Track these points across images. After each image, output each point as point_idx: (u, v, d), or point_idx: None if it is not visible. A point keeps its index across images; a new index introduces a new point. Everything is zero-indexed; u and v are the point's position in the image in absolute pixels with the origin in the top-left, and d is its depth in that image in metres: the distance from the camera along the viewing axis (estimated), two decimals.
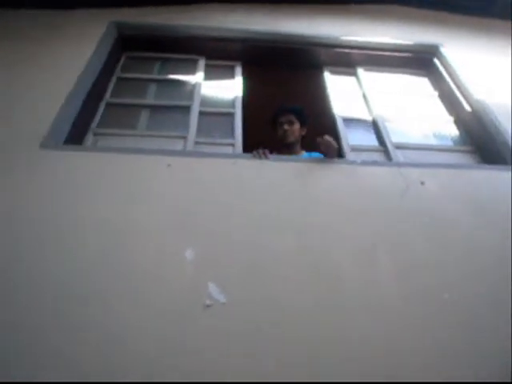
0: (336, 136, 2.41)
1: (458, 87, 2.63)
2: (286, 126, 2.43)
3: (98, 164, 1.91)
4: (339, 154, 2.14)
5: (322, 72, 2.92)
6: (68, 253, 1.57)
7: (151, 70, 2.83)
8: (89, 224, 1.67)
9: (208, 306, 1.45)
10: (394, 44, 2.92)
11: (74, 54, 2.49)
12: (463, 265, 1.66)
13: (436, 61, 2.89)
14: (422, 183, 1.95)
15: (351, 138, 2.45)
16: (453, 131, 2.55)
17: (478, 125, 2.40)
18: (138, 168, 1.91)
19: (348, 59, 2.94)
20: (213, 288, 1.50)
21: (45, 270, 1.50)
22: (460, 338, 1.45)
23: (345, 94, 2.77)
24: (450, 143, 2.48)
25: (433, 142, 2.50)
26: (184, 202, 1.79)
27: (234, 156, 2.10)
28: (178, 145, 2.27)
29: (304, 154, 2.42)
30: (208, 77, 2.80)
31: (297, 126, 2.47)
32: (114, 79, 2.67)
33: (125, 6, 2.96)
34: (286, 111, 2.51)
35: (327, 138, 1.99)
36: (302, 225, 1.75)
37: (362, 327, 1.46)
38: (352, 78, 2.92)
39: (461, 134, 2.52)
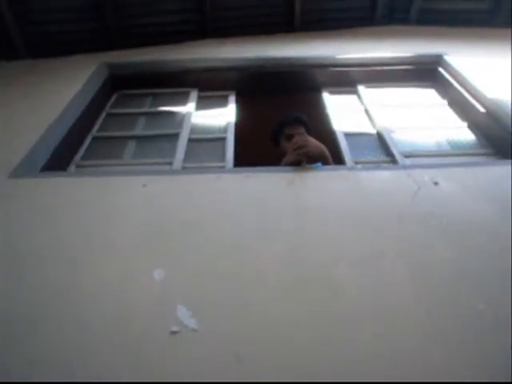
0: (338, 151, 2.19)
1: (469, 91, 2.41)
2: (297, 137, 1.96)
3: (67, 188, 1.76)
4: None
5: (320, 93, 2.77)
6: (24, 277, 1.36)
7: (142, 104, 2.75)
8: (48, 248, 1.46)
9: (174, 332, 1.17)
10: (395, 58, 2.78)
11: (61, 91, 2.44)
12: (493, 269, 1.32)
13: (441, 70, 2.70)
14: (436, 184, 1.67)
15: (355, 152, 2.21)
16: (468, 136, 2.28)
17: (495, 124, 2.14)
18: (111, 189, 1.74)
19: (347, 78, 2.80)
20: (182, 311, 1.23)
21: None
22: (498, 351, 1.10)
23: (345, 111, 2.58)
24: (466, 148, 2.20)
25: (447, 148, 2.23)
26: (158, 221, 1.58)
27: (217, 171, 1.89)
28: None
29: None
30: (200, 107, 2.70)
31: None
32: (103, 115, 2.60)
33: (117, 48, 2.98)
34: (295, 122, 2.14)
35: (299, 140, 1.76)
36: (293, 235, 1.48)
37: (373, 346, 1.13)
38: (353, 96, 2.75)
39: (477, 137, 2.25)
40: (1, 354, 1.15)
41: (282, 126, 2.10)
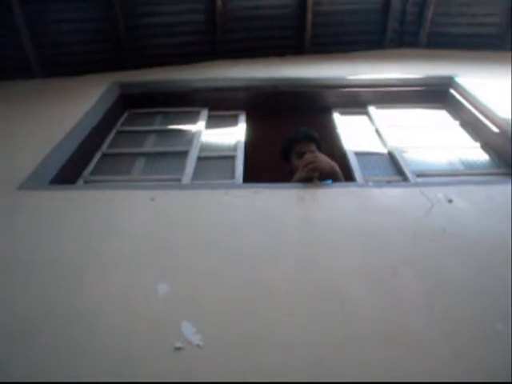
0: (349, 170, 2.17)
1: (481, 111, 2.38)
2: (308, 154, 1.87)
3: (75, 200, 1.74)
4: None
5: (330, 113, 2.77)
6: (26, 289, 1.32)
7: (152, 123, 2.77)
8: (52, 259, 1.43)
9: (178, 348, 1.12)
10: (405, 79, 2.77)
11: (72, 108, 2.46)
12: (510, 288, 1.26)
13: (452, 91, 2.69)
14: (450, 201, 1.62)
15: (366, 171, 2.18)
16: (482, 156, 2.24)
17: (509, 144, 2.10)
18: (119, 202, 1.72)
19: (358, 99, 2.80)
20: (187, 327, 1.18)
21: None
22: None
23: (356, 131, 2.57)
24: (480, 168, 2.16)
25: (460, 168, 2.18)
26: (165, 235, 1.54)
27: (225, 187, 1.87)
28: None
29: None
30: (210, 125, 2.70)
31: None
32: (113, 132, 2.62)
33: (129, 69, 3.03)
34: (307, 139, 2.07)
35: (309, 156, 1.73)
36: (303, 251, 1.43)
37: (386, 369, 1.06)
38: (363, 117, 2.74)
39: (491, 157, 2.21)
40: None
41: (293, 142, 2.06)
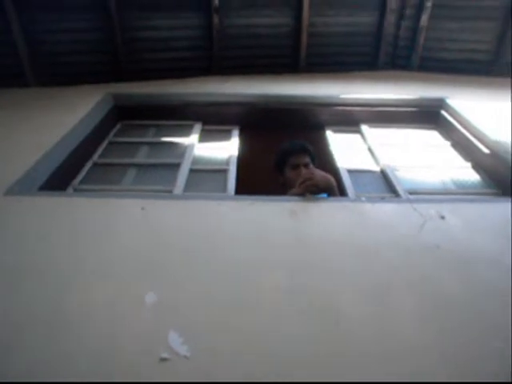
0: (341, 187, 2.16)
1: (472, 133, 2.41)
2: (304, 170, 1.93)
3: (63, 207, 1.69)
4: None
5: (323, 131, 2.79)
6: (8, 297, 1.26)
7: (145, 134, 2.75)
8: (38, 267, 1.38)
9: (164, 359, 1.07)
10: (398, 100, 2.81)
11: (65, 117, 2.44)
12: (506, 304, 1.24)
13: (444, 113, 2.73)
14: (442, 217, 1.62)
15: (359, 188, 2.18)
16: (473, 176, 2.26)
17: (500, 165, 2.12)
18: (108, 211, 1.68)
19: (350, 117, 2.82)
20: (173, 338, 1.13)
21: None
22: None
23: (349, 149, 2.58)
24: (471, 188, 2.17)
25: (452, 187, 2.20)
26: (154, 244, 1.50)
27: (218, 198, 1.85)
28: None
29: None
30: (203, 139, 2.70)
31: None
32: (105, 143, 2.59)
33: (124, 81, 3.03)
34: (302, 151, 2.05)
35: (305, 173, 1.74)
36: (295, 265, 1.40)
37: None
38: (356, 135, 2.76)
39: (482, 177, 2.23)
40: None
41: (287, 154, 2.05)
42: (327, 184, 1.76)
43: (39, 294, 1.28)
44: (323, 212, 1.69)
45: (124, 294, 1.28)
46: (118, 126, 2.81)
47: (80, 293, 1.28)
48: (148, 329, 1.17)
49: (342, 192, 2.12)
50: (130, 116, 2.86)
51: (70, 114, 2.49)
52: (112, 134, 2.71)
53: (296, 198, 1.75)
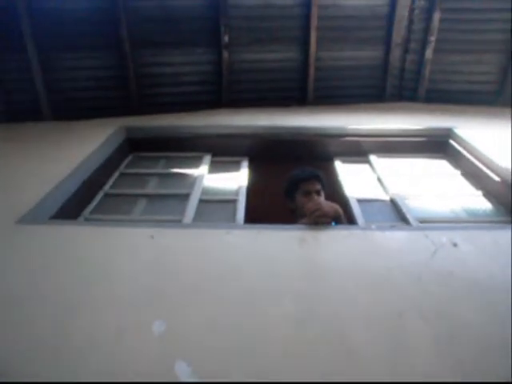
0: (351, 216, 2.15)
1: (482, 161, 2.41)
2: (316, 197, 1.98)
3: (73, 236, 1.71)
4: None
5: (332, 162, 2.81)
6: (21, 327, 1.25)
7: (156, 166, 2.80)
8: (46, 294, 1.38)
9: None
10: (406, 130, 2.84)
11: (77, 149, 2.50)
12: None
13: (452, 142, 2.74)
14: (455, 245, 1.59)
15: (369, 217, 2.16)
16: (484, 205, 2.24)
17: (510, 192, 2.10)
18: (118, 239, 1.69)
19: (359, 148, 2.84)
20: (181, 367, 1.11)
21: None
22: None
23: (358, 179, 2.58)
24: (482, 216, 2.14)
25: (463, 216, 2.17)
26: (163, 273, 1.50)
27: (227, 226, 1.84)
28: None
29: None
30: (213, 170, 2.73)
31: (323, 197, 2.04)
32: (116, 174, 2.63)
33: (137, 114, 3.12)
34: (313, 178, 2.07)
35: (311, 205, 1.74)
36: (305, 294, 1.38)
37: None
38: (365, 165, 2.77)
39: (494, 205, 2.20)
40: None
41: (300, 181, 2.07)
42: (335, 213, 1.76)
43: (45, 323, 1.27)
44: (332, 240, 1.67)
45: (132, 324, 1.26)
46: (130, 158, 2.86)
47: (87, 322, 1.27)
48: (155, 358, 1.14)
49: (351, 221, 2.10)
50: (142, 148, 2.92)
51: (83, 146, 2.54)
52: (123, 165, 2.75)
53: (305, 226, 1.74)
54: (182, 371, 1.10)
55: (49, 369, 1.11)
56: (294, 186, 2.08)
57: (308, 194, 1.99)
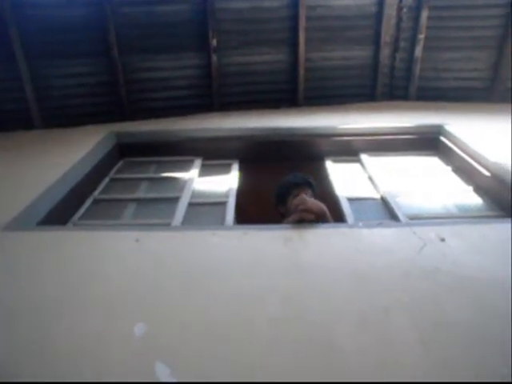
0: (341, 215, 2.14)
1: (472, 157, 2.40)
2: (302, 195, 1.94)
3: (58, 241, 1.70)
4: None
5: (323, 161, 2.80)
6: (7, 333, 1.25)
7: (146, 171, 2.79)
8: (30, 299, 1.37)
9: None
10: (396, 128, 2.83)
11: (67, 155, 2.49)
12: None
13: (443, 139, 2.73)
14: (443, 240, 1.58)
15: (359, 215, 2.15)
16: (475, 200, 2.22)
17: (502, 187, 2.09)
18: (103, 243, 1.68)
19: (349, 147, 2.84)
20: (160, 368, 1.09)
21: None
22: None
23: (349, 178, 2.57)
24: (473, 211, 2.13)
25: (454, 211, 2.16)
26: (147, 275, 1.48)
27: (213, 228, 1.83)
28: None
29: None
30: (203, 174, 2.72)
31: None
32: (106, 179, 2.62)
33: (127, 120, 3.12)
34: (304, 184, 2.10)
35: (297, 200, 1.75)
36: (291, 292, 1.36)
37: None
38: (356, 164, 2.76)
39: (484, 200, 2.18)
40: None
41: (292, 187, 2.08)
42: (319, 210, 1.74)
43: (31, 325, 1.26)
44: (319, 238, 1.66)
45: (113, 325, 1.25)
46: (121, 163, 2.86)
47: (68, 327, 1.25)
48: (135, 359, 1.13)
49: (341, 220, 2.09)
50: (133, 153, 2.91)
51: (73, 152, 2.54)
52: (114, 170, 2.75)
53: (291, 225, 1.73)
54: (162, 372, 1.08)
55: (32, 370, 1.10)
56: (285, 190, 2.09)
57: None
